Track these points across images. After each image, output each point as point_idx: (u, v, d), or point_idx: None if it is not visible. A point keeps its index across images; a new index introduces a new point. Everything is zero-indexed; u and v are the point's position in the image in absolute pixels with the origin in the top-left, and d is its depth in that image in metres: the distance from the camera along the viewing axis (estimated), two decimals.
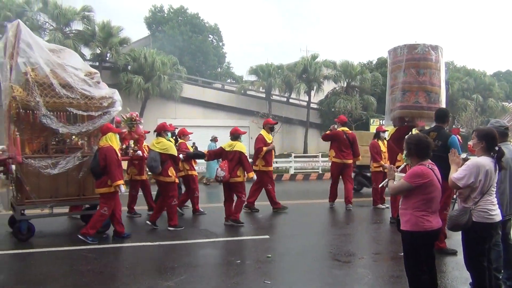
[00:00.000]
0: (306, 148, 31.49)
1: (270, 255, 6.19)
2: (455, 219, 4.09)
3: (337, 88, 32.57)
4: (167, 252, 6.62)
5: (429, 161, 4.02)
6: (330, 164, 18.65)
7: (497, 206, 4.13)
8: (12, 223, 7.45)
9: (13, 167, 7.05)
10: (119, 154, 7.06)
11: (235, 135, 8.46)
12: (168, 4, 48.20)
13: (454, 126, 9.76)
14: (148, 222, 8.06)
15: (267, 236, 7.47)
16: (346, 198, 10.13)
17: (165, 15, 47.15)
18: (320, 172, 19.68)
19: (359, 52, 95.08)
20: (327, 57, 33.86)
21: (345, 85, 32.30)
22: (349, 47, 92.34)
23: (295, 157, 21.25)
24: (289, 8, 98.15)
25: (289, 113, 33.40)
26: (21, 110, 6.76)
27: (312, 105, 33.00)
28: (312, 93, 32.31)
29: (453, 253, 6.16)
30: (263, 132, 9.93)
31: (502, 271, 4.67)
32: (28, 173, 6.85)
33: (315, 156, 22.31)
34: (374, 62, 41.25)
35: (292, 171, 19.60)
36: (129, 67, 27.66)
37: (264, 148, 9.55)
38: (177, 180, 8.13)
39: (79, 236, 6.85)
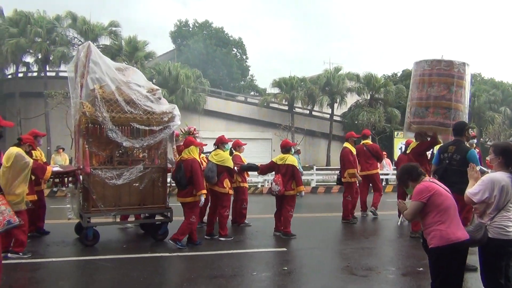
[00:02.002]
0: (329, 161, 31.34)
1: (286, 268, 6.20)
2: (470, 235, 4.03)
3: (361, 101, 32.42)
4: (185, 263, 6.72)
5: (426, 177, 4.06)
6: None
7: None
8: (79, 230, 7.87)
9: (81, 177, 7.46)
10: (202, 166, 7.42)
11: (287, 148, 8.50)
12: (193, 19, 48.88)
13: (474, 140, 9.49)
14: (206, 237, 8.15)
15: (285, 249, 7.47)
16: (373, 204, 10.70)
17: (190, 29, 47.96)
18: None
19: (383, 64, 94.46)
20: (351, 70, 33.84)
21: (368, 97, 32.13)
22: (373, 59, 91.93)
23: (317, 169, 21.11)
24: (312, 21, 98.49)
25: (312, 125, 33.38)
26: (89, 124, 7.25)
27: (335, 118, 32.95)
28: (335, 105, 32.26)
29: (473, 269, 6.02)
30: (348, 145, 10.25)
31: None
32: (95, 183, 7.27)
33: (338, 169, 22.09)
34: (398, 74, 40.89)
35: (313, 184, 19.48)
36: (154, 80, 28.18)
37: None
38: (231, 192, 8.27)
39: (170, 241, 7.31)
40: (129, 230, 9.06)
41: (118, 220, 8.33)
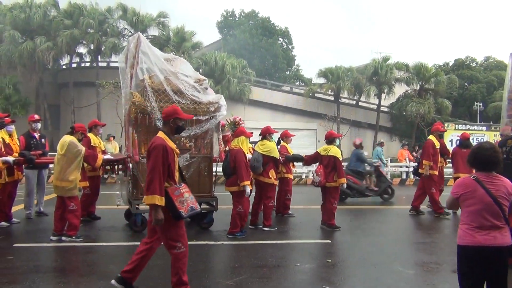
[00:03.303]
0: None
1: (330, 260, 6.16)
2: None
3: (409, 91, 31.52)
4: (229, 252, 6.82)
5: (484, 173, 3.61)
6: (400, 169, 18.44)
7: None
8: (128, 216, 8.19)
9: (131, 165, 7.70)
10: (247, 157, 7.51)
11: (330, 139, 8.42)
12: (240, 9, 49.20)
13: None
14: (250, 226, 8.23)
15: (329, 241, 7.41)
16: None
17: (237, 19, 48.11)
18: (389, 177, 19.09)
19: (434, 54, 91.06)
20: (399, 59, 32.84)
21: (418, 87, 31.16)
22: (423, 48, 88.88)
23: None
24: (359, 10, 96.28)
25: (358, 116, 32.81)
26: (139, 114, 7.44)
27: (382, 108, 32.19)
28: (383, 96, 31.52)
29: None
30: (432, 138, 10.18)
31: None
32: (144, 171, 7.37)
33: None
34: (450, 64, 39.38)
35: None
36: (200, 70, 28.55)
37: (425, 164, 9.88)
38: (275, 182, 8.32)
39: (228, 236, 7.43)
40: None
41: None
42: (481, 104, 32.67)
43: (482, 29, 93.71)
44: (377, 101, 31.83)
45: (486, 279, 3.62)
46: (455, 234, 7.93)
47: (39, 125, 8.80)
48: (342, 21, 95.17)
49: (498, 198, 3.52)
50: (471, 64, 39.48)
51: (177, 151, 4.74)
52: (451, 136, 22.21)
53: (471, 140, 11.27)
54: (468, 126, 25.24)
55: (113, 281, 4.68)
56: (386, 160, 17.15)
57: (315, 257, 6.53)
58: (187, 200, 4.56)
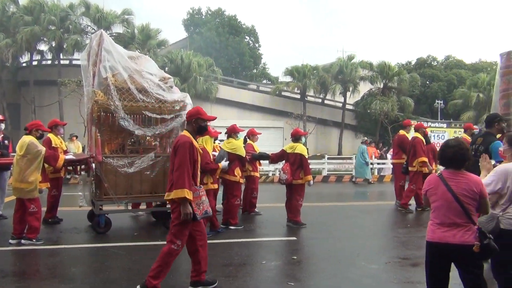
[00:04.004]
0: (340, 150, 31.21)
1: (295, 257, 6.22)
2: (482, 226, 3.98)
3: (373, 89, 32.14)
4: None
5: (450, 170, 3.62)
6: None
7: None
8: (91, 218, 7.99)
9: (94, 165, 7.55)
10: (211, 156, 7.47)
11: (296, 137, 8.46)
12: (206, 7, 48.72)
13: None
14: (221, 226, 8.13)
15: (295, 238, 7.50)
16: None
17: (203, 17, 47.77)
18: (354, 174, 19.44)
19: (397, 53, 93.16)
20: (364, 58, 33.43)
21: (381, 86, 31.81)
22: (386, 47, 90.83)
23: (328, 158, 21.04)
24: (325, 9, 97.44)
25: (324, 114, 33.22)
26: (102, 113, 7.30)
27: (347, 106, 32.70)
28: (348, 94, 32.04)
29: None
30: (419, 135, 10.39)
31: None
32: (107, 171, 7.33)
33: (349, 158, 22.03)
34: (412, 63, 40.39)
35: (325, 173, 19.45)
36: (166, 68, 28.22)
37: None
38: (241, 180, 8.29)
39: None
40: (140, 218, 9.15)
41: (129, 208, 8.40)
42: (442, 101, 33.65)
43: (442, 29, 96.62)
44: (342, 99, 32.31)
45: (461, 278, 3.66)
46: (419, 229, 8.23)
47: (2, 126, 8.47)
48: (308, 20, 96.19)
49: (459, 195, 3.48)
50: (432, 63, 40.59)
51: (201, 151, 4.91)
52: (412, 133, 22.76)
53: (431, 137, 11.66)
54: (429, 123, 25.93)
55: None
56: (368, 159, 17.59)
57: (280, 255, 6.59)
58: (203, 203, 4.72)
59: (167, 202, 4.85)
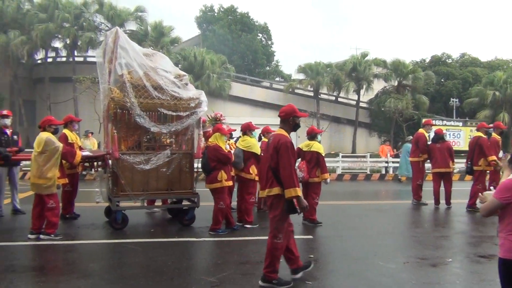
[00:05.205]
0: (354, 148, 31.05)
1: (312, 255, 6.17)
2: None
3: (388, 87, 31.91)
4: (211, 249, 6.79)
5: None
6: (380, 164, 18.65)
7: None
8: (108, 214, 8.03)
9: (110, 162, 7.60)
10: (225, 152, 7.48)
11: (312, 135, 8.41)
12: (219, 4, 48.68)
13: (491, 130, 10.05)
14: (237, 223, 8.10)
15: (311, 236, 7.45)
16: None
17: (216, 14, 47.76)
18: (368, 172, 19.31)
19: (411, 50, 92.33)
20: (378, 55, 33.19)
21: (396, 84, 31.55)
22: (400, 44, 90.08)
23: (342, 156, 20.91)
24: (337, 7, 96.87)
25: (338, 112, 33.04)
26: (118, 110, 7.34)
27: (361, 104, 32.50)
28: (362, 92, 31.83)
29: None
30: (482, 134, 10.16)
31: None
32: (124, 168, 7.37)
33: (364, 156, 21.89)
34: (427, 60, 40.05)
35: (339, 171, 19.33)
36: (179, 66, 28.25)
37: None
38: (257, 178, 8.27)
39: (210, 233, 7.34)
40: (156, 214, 9.18)
41: (145, 204, 8.43)
42: (457, 100, 33.28)
43: (457, 26, 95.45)
44: (356, 97, 32.12)
45: None
46: (436, 229, 8.12)
47: (7, 121, 8.52)
48: (320, 18, 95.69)
49: None
50: (447, 60, 40.16)
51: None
52: (432, 133, 22.56)
53: (447, 136, 11.58)
54: (444, 122, 25.68)
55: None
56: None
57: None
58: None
59: (265, 197, 5.04)
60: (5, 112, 8.76)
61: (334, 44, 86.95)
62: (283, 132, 4.88)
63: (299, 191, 4.69)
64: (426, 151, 10.70)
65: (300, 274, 5.11)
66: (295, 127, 5.00)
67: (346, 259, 6.13)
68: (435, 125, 22.65)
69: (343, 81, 30.99)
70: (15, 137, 8.62)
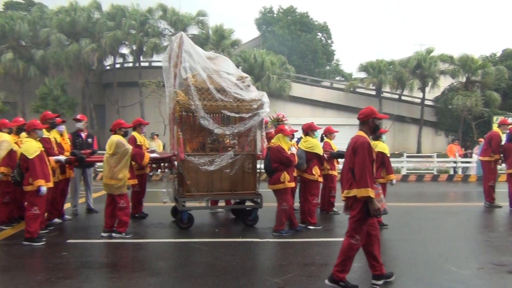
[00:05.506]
0: (419, 148, 29.96)
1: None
2: None
3: (455, 84, 30.44)
4: (275, 249, 6.81)
5: None
6: (448, 165, 17.85)
7: None
8: (175, 214, 8.33)
9: (176, 163, 7.88)
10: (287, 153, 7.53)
11: (377, 135, 8.26)
12: (278, 5, 48.93)
13: None
14: (300, 224, 8.07)
15: None
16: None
17: (275, 15, 47.95)
18: (436, 173, 18.52)
19: (480, 44, 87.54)
20: (443, 51, 31.75)
21: (464, 80, 30.04)
22: (468, 39, 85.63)
23: (407, 157, 20.21)
24: (398, 2, 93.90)
25: (401, 110, 32.00)
26: (183, 112, 7.58)
27: (426, 102, 31.28)
28: (427, 89, 30.60)
29: None
30: (499, 130, 10.43)
31: None
32: (189, 169, 7.63)
33: (430, 156, 21.03)
34: (498, 55, 37.78)
35: (404, 172, 18.68)
36: (240, 67, 28.54)
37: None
38: (320, 179, 8.24)
39: (273, 233, 7.40)
40: (219, 215, 9.34)
41: (209, 205, 8.60)
42: None
43: None
44: (421, 95, 30.94)
45: None
46: (496, 233, 7.66)
47: (80, 124, 8.96)
48: (381, 15, 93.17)
49: None
50: None
51: (375, 151, 5.07)
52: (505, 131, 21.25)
53: None
54: None
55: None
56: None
57: (362, 256, 6.33)
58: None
59: (344, 199, 5.01)
60: (78, 116, 9.26)
61: (397, 41, 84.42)
62: (362, 133, 4.87)
63: (371, 192, 4.63)
64: (498, 152, 10.15)
65: (381, 282, 5.01)
66: (375, 128, 4.98)
67: (415, 264, 5.92)
68: (509, 123, 21.38)
69: (407, 79, 29.95)
70: (90, 140, 9.08)
